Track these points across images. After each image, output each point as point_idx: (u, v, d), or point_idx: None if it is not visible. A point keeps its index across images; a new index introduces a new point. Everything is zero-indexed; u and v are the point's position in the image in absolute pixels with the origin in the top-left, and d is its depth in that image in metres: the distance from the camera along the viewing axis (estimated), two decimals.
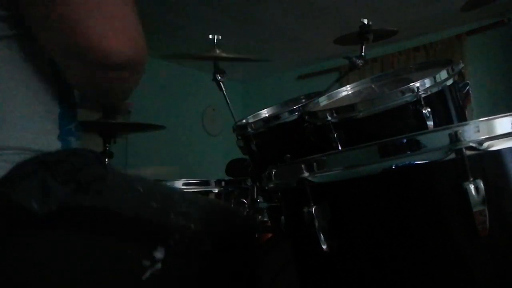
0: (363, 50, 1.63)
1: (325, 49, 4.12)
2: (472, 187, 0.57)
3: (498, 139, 0.59)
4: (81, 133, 0.69)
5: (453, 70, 0.96)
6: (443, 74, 0.93)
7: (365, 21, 1.61)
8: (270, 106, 1.53)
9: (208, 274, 0.74)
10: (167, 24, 3.58)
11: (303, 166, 0.69)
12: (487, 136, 0.59)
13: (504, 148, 0.59)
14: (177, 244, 0.69)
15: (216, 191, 1.59)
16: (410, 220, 0.63)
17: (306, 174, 0.69)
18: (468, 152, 0.58)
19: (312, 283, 0.76)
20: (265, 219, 1.62)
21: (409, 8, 3.46)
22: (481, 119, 0.60)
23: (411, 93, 0.89)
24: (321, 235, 0.67)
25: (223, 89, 1.71)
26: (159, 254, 0.66)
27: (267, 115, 1.48)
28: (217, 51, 1.69)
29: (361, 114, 0.93)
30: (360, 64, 1.61)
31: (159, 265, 0.65)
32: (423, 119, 0.88)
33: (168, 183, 1.52)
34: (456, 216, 0.60)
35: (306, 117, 1.07)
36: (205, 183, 1.59)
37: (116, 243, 0.64)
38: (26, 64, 0.58)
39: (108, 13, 0.54)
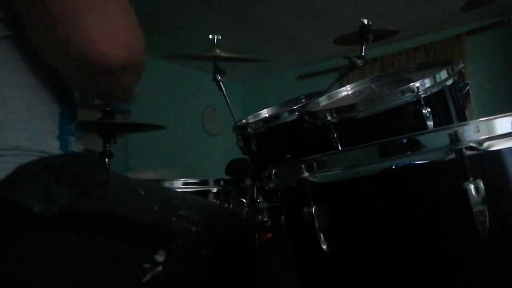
0: (363, 50, 1.63)
1: (325, 49, 4.12)
2: (472, 187, 0.57)
3: (498, 139, 0.59)
4: (81, 133, 0.69)
5: (453, 70, 0.96)
6: (443, 74, 0.93)
7: (365, 21, 1.61)
8: (270, 106, 1.53)
9: (208, 275, 0.74)
10: (167, 24, 3.58)
11: (303, 166, 0.69)
12: (487, 136, 0.59)
13: (504, 148, 0.59)
14: (179, 247, 0.69)
15: (215, 191, 1.58)
16: (410, 220, 0.63)
17: (306, 174, 0.69)
18: (468, 152, 0.58)
19: (312, 283, 0.76)
20: (265, 219, 1.62)
21: (409, 8, 3.46)
22: (481, 119, 0.60)
23: (411, 93, 0.89)
24: (321, 235, 0.67)
25: (223, 89, 1.71)
26: (160, 257, 0.66)
27: (267, 115, 1.48)
28: (217, 51, 1.69)
29: (361, 114, 0.93)
30: (360, 64, 1.61)
31: (160, 268, 0.65)
32: (423, 119, 0.88)
33: (168, 183, 1.52)
34: (456, 216, 0.60)
35: (306, 117, 1.07)
36: (204, 182, 1.59)
37: (117, 245, 0.64)
38: (26, 64, 0.58)
39: (99, 19, 0.53)
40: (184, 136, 4.53)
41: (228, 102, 1.75)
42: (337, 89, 1.25)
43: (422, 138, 0.61)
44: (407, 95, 0.90)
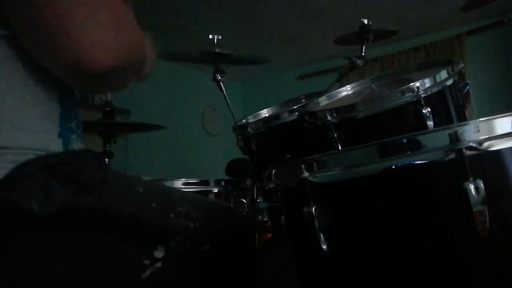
0: (363, 50, 1.63)
1: (325, 49, 4.12)
2: (472, 187, 0.57)
3: (498, 139, 0.59)
4: (81, 133, 0.70)
5: (453, 70, 0.96)
6: (443, 74, 0.93)
7: (365, 21, 1.61)
8: (270, 106, 1.53)
9: (208, 273, 0.74)
10: (167, 24, 3.58)
11: (303, 166, 0.69)
12: (487, 136, 0.59)
13: (504, 148, 0.60)
14: (178, 244, 0.69)
15: (216, 191, 1.59)
16: (410, 220, 0.63)
17: (306, 174, 0.69)
18: (468, 152, 0.58)
19: (312, 283, 0.76)
20: (265, 219, 1.62)
21: (409, 8, 3.46)
22: (481, 119, 0.60)
23: (411, 93, 0.89)
24: (321, 235, 0.67)
25: (223, 89, 1.71)
26: (159, 253, 0.66)
27: (267, 115, 1.48)
28: (217, 51, 1.69)
29: (361, 114, 0.93)
30: (360, 64, 1.61)
31: (159, 264, 0.65)
32: (423, 119, 0.88)
33: (168, 183, 1.52)
34: (456, 216, 0.60)
35: (306, 117, 1.07)
36: (205, 182, 1.59)
37: (116, 243, 0.64)
38: (26, 64, 0.58)
39: (87, 25, 0.52)
40: (184, 136, 4.52)
41: (228, 102, 1.75)
42: (337, 89, 1.25)
43: (422, 138, 0.61)
44: (407, 95, 0.90)
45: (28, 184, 0.54)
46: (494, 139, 0.59)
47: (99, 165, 0.64)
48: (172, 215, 0.70)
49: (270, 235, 1.58)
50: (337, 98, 1.21)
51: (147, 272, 0.64)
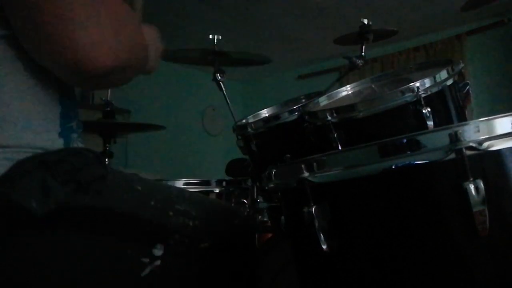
0: (363, 50, 1.63)
1: (325, 49, 4.12)
2: (472, 187, 0.57)
3: (498, 139, 0.59)
4: (81, 133, 0.70)
5: (453, 70, 0.96)
6: (443, 74, 0.93)
7: (365, 21, 1.61)
8: (270, 106, 1.53)
9: (207, 272, 0.74)
10: (167, 24, 3.58)
11: (303, 166, 0.69)
12: (487, 136, 0.59)
13: (504, 148, 0.60)
14: (177, 242, 0.69)
15: (217, 191, 1.59)
16: (410, 220, 0.63)
17: (306, 174, 0.69)
18: (468, 152, 0.58)
19: (312, 283, 0.76)
20: (265, 219, 1.62)
21: (409, 8, 3.46)
22: (481, 119, 0.60)
23: (411, 93, 0.89)
24: (321, 235, 0.67)
25: (223, 89, 1.71)
26: (158, 251, 0.66)
27: (267, 115, 1.47)
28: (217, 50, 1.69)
29: (361, 114, 0.93)
30: (360, 64, 1.61)
31: (158, 262, 0.65)
32: (423, 119, 0.88)
33: (169, 183, 1.52)
34: (456, 216, 0.60)
35: (306, 117, 1.07)
36: (206, 183, 1.59)
37: (115, 242, 0.64)
38: (26, 63, 0.58)
39: (85, 26, 0.52)
40: (184, 136, 4.52)
41: (228, 102, 1.75)
42: (337, 89, 1.25)
43: (422, 138, 0.61)
44: (407, 95, 0.90)
45: (26, 182, 0.54)
46: (494, 139, 0.59)
47: (98, 164, 0.64)
48: (171, 213, 0.70)
49: (270, 235, 1.58)
50: (337, 98, 1.21)
51: (146, 270, 0.65)
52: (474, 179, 0.58)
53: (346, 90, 1.24)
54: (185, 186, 1.55)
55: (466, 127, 0.59)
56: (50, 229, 0.58)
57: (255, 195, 1.59)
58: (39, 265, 0.58)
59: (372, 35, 1.63)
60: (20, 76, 0.58)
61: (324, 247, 0.67)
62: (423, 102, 0.88)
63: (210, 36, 1.64)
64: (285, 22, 3.69)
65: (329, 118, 0.96)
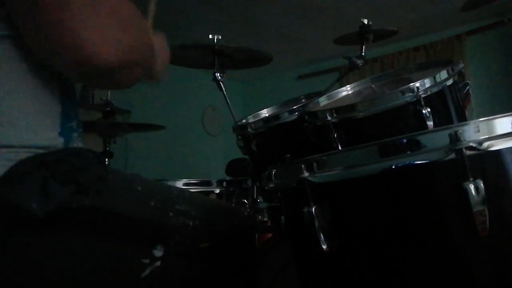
0: (363, 50, 1.63)
1: (325, 49, 4.12)
2: (472, 187, 0.57)
3: (498, 139, 0.59)
4: (81, 133, 0.70)
5: (453, 70, 0.96)
6: (443, 74, 0.93)
7: (365, 21, 1.61)
8: (270, 106, 1.53)
9: (207, 272, 0.74)
10: (167, 24, 3.58)
11: (303, 166, 0.69)
12: (487, 136, 0.59)
13: (504, 148, 0.60)
14: (177, 243, 0.69)
15: (218, 191, 1.59)
16: (410, 220, 0.63)
17: (306, 174, 0.69)
18: (468, 152, 0.58)
19: (312, 283, 0.76)
20: (265, 219, 1.62)
21: (409, 8, 3.46)
22: (481, 119, 0.60)
23: (411, 93, 0.89)
24: (321, 235, 0.67)
25: (223, 89, 1.71)
26: (158, 252, 0.66)
27: (267, 115, 1.48)
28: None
29: (361, 114, 0.93)
30: (360, 64, 1.61)
31: (158, 263, 0.65)
32: (423, 119, 0.88)
33: (170, 183, 1.52)
34: (456, 216, 0.60)
35: (306, 117, 1.07)
36: (207, 183, 1.59)
37: (115, 242, 0.64)
38: (27, 63, 0.58)
39: (87, 21, 0.53)
40: (184, 136, 4.52)
41: (228, 102, 1.75)
42: (337, 89, 1.25)
43: (422, 138, 0.61)
44: (407, 95, 0.90)
45: (27, 183, 0.54)
46: (494, 139, 0.59)
47: (98, 164, 0.64)
48: (171, 214, 0.70)
49: (270, 235, 1.58)
50: (337, 98, 1.21)
51: (147, 271, 0.64)
52: (474, 179, 0.58)
53: (346, 90, 1.24)
54: (185, 187, 1.55)
55: (466, 127, 0.59)
56: (50, 230, 0.58)
57: (255, 195, 1.59)
58: (39, 265, 0.58)
59: (372, 35, 1.63)
60: (21, 76, 0.58)
61: (324, 247, 0.67)
62: (423, 102, 0.88)
63: (210, 36, 1.64)
64: (285, 22, 3.69)
65: (329, 118, 0.96)
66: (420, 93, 0.88)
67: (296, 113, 1.24)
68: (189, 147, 4.57)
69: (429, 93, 0.90)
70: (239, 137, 1.39)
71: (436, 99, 0.94)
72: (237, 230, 0.83)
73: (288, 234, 0.81)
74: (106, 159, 1.94)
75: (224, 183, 1.60)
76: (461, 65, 0.99)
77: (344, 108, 0.96)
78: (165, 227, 0.69)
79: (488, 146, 0.59)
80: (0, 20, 0.56)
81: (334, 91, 1.23)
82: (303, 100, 1.46)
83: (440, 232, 0.61)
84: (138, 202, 0.69)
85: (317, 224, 0.67)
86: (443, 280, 0.61)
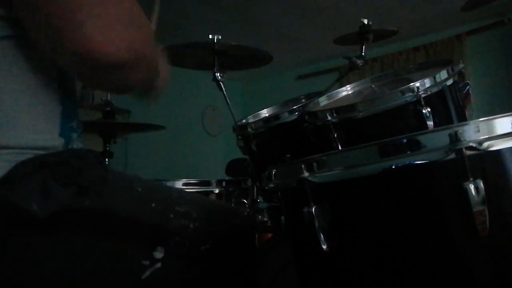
0: (363, 50, 1.63)
1: (325, 49, 4.12)
2: (472, 187, 0.57)
3: (498, 139, 0.59)
4: (81, 133, 0.69)
5: (453, 70, 0.96)
6: (443, 74, 0.93)
7: (365, 21, 1.61)
8: (270, 106, 1.53)
9: (208, 273, 0.74)
10: (167, 24, 3.58)
11: (303, 166, 0.69)
12: (487, 136, 0.59)
13: (504, 148, 0.59)
14: (177, 244, 0.69)
15: (217, 191, 1.59)
16: (410, 220, 0.63)
17: (306, 174, 0.69)
18: (468, 152, 0.58)
19: (312, 283, 0.76)
20: (265, 219, 1.62)
21: (409, 8, 3.46)
22: (481, 119, 0.60)
23: (411, 93, 0.89)
24: (321, 235, 0.67)
25: (223, 89, 1.71)
26: (159, 253, 0.66)
27: (267, 115, 1.47)
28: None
29: (361, 114, 0.93)
30: (360, 64, 1.61)
31: (158, 264, 0.65)
32: (423, 119, 0.88)
33: (169, 183, 1.52)
34: (456, 216, 0.60)
35: (306, 117, 1.07)
36: (206, 183, 1.59)
37: (116, 244, 0.64)
38: (28, 64, 0.58)
39: (97, 14, 0.52)
40: (184, 136, 4.52)
41: (228, 102, 1.75)
42: (337, 89, 1.25)
43: (422, 138, 0.61)
44: (407, 95, 0.90)
45: (27, 184, 0.54)
46: (494, 139, 0.59)
47: (99, 166, 0.64)
48: (172, 215, 0.70)
49: (270, 235, 1.58)
50: (337, 98, 1.21)
51: (147, 273, 0.64)
52: (474, 179, 0.58)
53: (346, 90, 1.24)
54: (185, 187, 1.55)
55: (466, 127, 0.59)
56: (50, 231, 0.58)
57: (255, 195, 1.59)
58: (39, 267, 0.58)
59: (372, 35, 1.63)
60: (22, 76, 0.58)
61: (324, 247, 0.67)
62: (423, 102, 0.88)
63: (210, 36, 1.64)
64: (285, 22, 3.69)
65: (329, 118, 0.96)
66: (420, 93, 0.88)
67: (296, 113, 1.24)
68: (189, 147, 4.57)
69: (429, 93, 0.90)
70: (239, 137, 1.39)
71: (436, 99, 0.94)
72: (237, 230, 0.83)
73: (288, 234, 0.81)
74: (106, 159, 1.94)
75: (224, 183, 1.60)
76: (461, 65, 0.99)
77: (344, 108, 0.96)
78: (166, 228, 0.69)
79: (488, 146, 0.59)
80: (3, 19, 0.56)
81: (334, 91, 1.23)
82: (303, 100, 1.45)
83: (440, 232, 0.61)
84: (138, 204, 0.68)
85: (317, 224, 0.67)
86: (443, 280, 0.61)
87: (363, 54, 1.63)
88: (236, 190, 1.61)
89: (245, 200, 1.58)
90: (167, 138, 4.04)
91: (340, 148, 0.95)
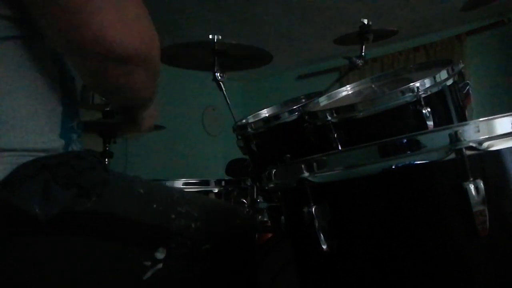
0: (363, 50, 1.63)
1: (325, 49, 4.13)
2: (472, 187, 0.57)
3: (498, 139, 0.59)
4: (81, 133, 0.69)
5: (453, 70, 0.96)
6: (443, 74, 0.93)
7: (365, 21, 1.61)
8: (270, 106, 1.53)
9: (208, 273, 0.74)
10: (167, 24, 3.58)
11: (303, 166, 0.69)
12: (487, 136, 0.59)
13: (504, 148, 0.59)
14: (179, 245, 0.69)
15: (216, 191, 1.59)
16: (410, 220, 0.63)
17: (306, 174, 0.69)
18: (468, 152, 0.58)
19: (312, 283, 0.76)
20: (265, 219, 1.62)
21: (409, 8, 3.46)
22: (481, 119, 0.60)
23: (411, 93, 0.89)
24: (321, 235, 0.67)
25: (223, 89, 1.71)
26: (160, 254, 0.66)
27: (267, 115, 1.48)
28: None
29: (361, 114, 0.93)
30: (360, 64, 1.61)
31: (160, 265, 0.65)
32: (423, 119, 0.88)
33: (168, 183, 1.52)
34: (456, 216, 0.60)
35: (306, 117, 1.07)
36: (205, 183, 1.59)
37: (117, 245, 0.64)
38: (31, 65, 0.58)
39: (113, 5, 0.53)
40: (184, 136, 4.52)
41: (228, 102, 1.75)
42: (337, 89, 1.25)
43: (422, 138, 0.61)
44: (407, 95, 0.90)
45: (28, 187, 0.54)
46: (494, 139, 0.59)
47: (99, 167, 0.64)
48: (173, 216, 0.70)
49: (270, 235, 1.58)
50: (337, 98, 1.21)
51: (149, 274, 0.64)
52: (474, 179, 0.58)
53: (346, 90, 1.24)
54: (184, 186, 1.55)
55: (466, 127, 0.59)
56: (51, 233, 0.58)
57: (255, 195, 1.59)
58: (39, 268, 0.58)
59: (372, 35, 1.63)
60: (27, 77, 0.58)
61: (324, 247, 0.67)
62: (423, 102, 0.88)
63: (210, 36, 1.64)
64: (285, 22, 3.69)
65: (329, 118, 0.96)
66: (420, 93, 0.88)
67: (296, 113, 1.24)
68: (189, 147, 4.57)
69: (429, 93, 0.90)
70: (239, 137, 1.39)
71: (436, 99, 0.94)
72: (238, 230, 0.83)
73: (288, 234, 0.81)
74: (106, 159, 1.94)
75: (223, 183, 1.60)
76: (461, 65, 0.99)
77: (344, 108, 0.96)
78: (167, 229, 0.69)
79: (488, 146, 0.59)
80: (5, 20, 0.55)
81: (334, 91, 1.23)
82: (303, 100, 1.46)
83: (440, 232, 0.61)
84: (139, 205, 0.68)
85: (317, 224, 0.67)
86: (443, 280, 0.61)
87: (363, 54, 1.63)
88: (235, 190, 1.61)
89: (244, 200, 1.59)
90: (167, 138, 4.04)
91: (340, 148, 0.95)
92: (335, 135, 0.95)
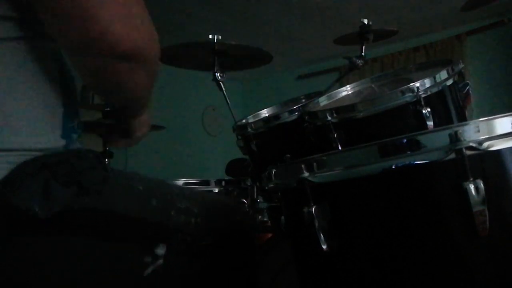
0: (363, 50, 1.63)
1: (325, 49, 4.12)
2: (472, 187, 0.57)
3: (498, 139, 0.59)
4: (81, 133, 0.69)
5: (453, 70, 0.96)
6: (443, 74, 0.93)
7: (365, 21, 1.61)
8: (270, 106, 1.53)
9: (209, 269, 0.74)
10: (166, 23, 3.58)
11: (303, 166, 0.69)
12: (487, 136, 0.59)
13: (504, 148, 0.60)
14: (179, 241, 0.69)
15: (216, 191, 1.59)
16: (410, 220, 0.63)
17: (306, 174, 0.69)
18: (468, 152, 0.58)
19: (312, 283, 0.76)
20: (265, 219, 1.62)
21: (409, 8, 3.46)
22: (481, 119, 0.60)
23: (411, 93, 0.89)
24: (321, 235, 0.67)
25: (223, 89, 1.71)
26: (160, 250, 0.66)
27: (267, 115, 1.48)
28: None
29: (361, 114, 0.93)
30: (360, 64, 1.61)
31: (160, 261, 0.65)
32: (423, 119, 0.88)
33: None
34: (456, 216, 0.60)
35: (306, 117, 1.07)
36: (205, 183, 1.59)
37: (117, 242, 0.64)
38: (32, 66, 0.58)
39: (120, 2, 0.53)
40: (184, 136, 4.52)
41: (228, 102, 1.75)
42: (337, 89, 1.25)
43: (422, 138, 0.61)
44: (407, 95, 0.90)
45: (28, 185, 0.54)
46: (494, 139, 0.59)
47: (99, 165, 0.64)
48: (173, 212, 0.70)
49: (270, 235, 1.58)
50: (337, 98, 1.21)
51: (149, 270, 0.65)
52: (474, 179, 0.58)
53: (346, 90, 1.24)
54: (185, 186, 1.55)
55: (466, 127, 0.59)
56: (51, 230, 0.58)
57: (255, 195, 1.59)
58: (40, 266, 0.58)
59: (372, 35, 1.63)
60: (29, 77, 0.58)
61: (324, 247, 0.67)
62: (423, 102, 0.88)
63: (210, 36, 1.64)
64: (285, 22, 3.69)
65: (329, 118, 0.96)
66: (420, 93, 0.88)
67: (296, 113, 1.24)
68: (189, 147, 4.57)
69: (429, 93, 0.90)
70: (239, 137, 1.39)
71: (436, 99, 0.94)
72: (238, 226, 0.83)
73: (288, 234, 0.81)
74: (106, 159, 1.94)
75: (223, 183, 1.60)
76: (461, 65, 0.99)
77: (344, 108, 0.96)
78: (167, 225, 0.69)
79: (488, 146, 0.59)
80: (5, 21, 0.55)
81: (334, 91, 1.23)
82: (303, 100, 1.46)
83: (440, 232, 0.61)
84: (139, 202, 0.69)
85: (317, 224, 0.67)
86: (443, 280, 0.61)
87: (363, 54, 1.62)
88: (235, 190, 1.61)
89: (244, 200, 1.59)
90: (167, 138, 4.04)
91: (340, 148, 0.95)
92: (335, 135, 0.95)
